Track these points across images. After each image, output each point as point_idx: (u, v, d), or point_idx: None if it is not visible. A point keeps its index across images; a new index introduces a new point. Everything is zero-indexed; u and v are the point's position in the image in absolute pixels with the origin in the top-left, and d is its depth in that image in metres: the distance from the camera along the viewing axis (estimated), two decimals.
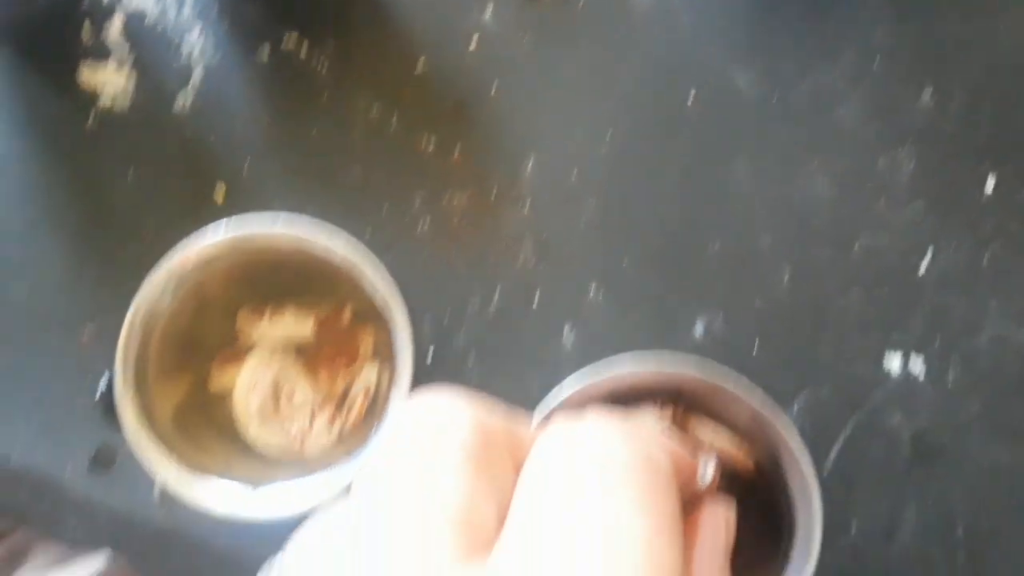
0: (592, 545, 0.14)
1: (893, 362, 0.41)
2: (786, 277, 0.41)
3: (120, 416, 0.40)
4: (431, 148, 0.42)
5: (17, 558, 0.61)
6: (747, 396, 0.33)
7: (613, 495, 0.15)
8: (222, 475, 0.35)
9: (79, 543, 0.41)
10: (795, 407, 0.41)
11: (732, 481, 0.36)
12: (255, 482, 0.35)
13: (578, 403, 0.36)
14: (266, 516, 0.33)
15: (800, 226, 0.41)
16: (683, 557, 0.15)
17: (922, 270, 0.41)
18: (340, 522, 0.18)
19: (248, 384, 0.36)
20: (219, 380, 0.37)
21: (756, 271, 0.41)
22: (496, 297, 0.41)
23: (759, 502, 0.36)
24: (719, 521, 0.21)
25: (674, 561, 0.14)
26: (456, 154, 0.42)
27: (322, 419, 0.37)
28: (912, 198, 0.42)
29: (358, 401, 0.37)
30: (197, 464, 0.35)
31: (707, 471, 0.29)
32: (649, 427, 0.18)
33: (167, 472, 0.34)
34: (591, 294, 0.41)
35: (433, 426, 0.17)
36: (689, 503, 0.22)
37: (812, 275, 0.41)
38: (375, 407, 0.37)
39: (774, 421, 0.33)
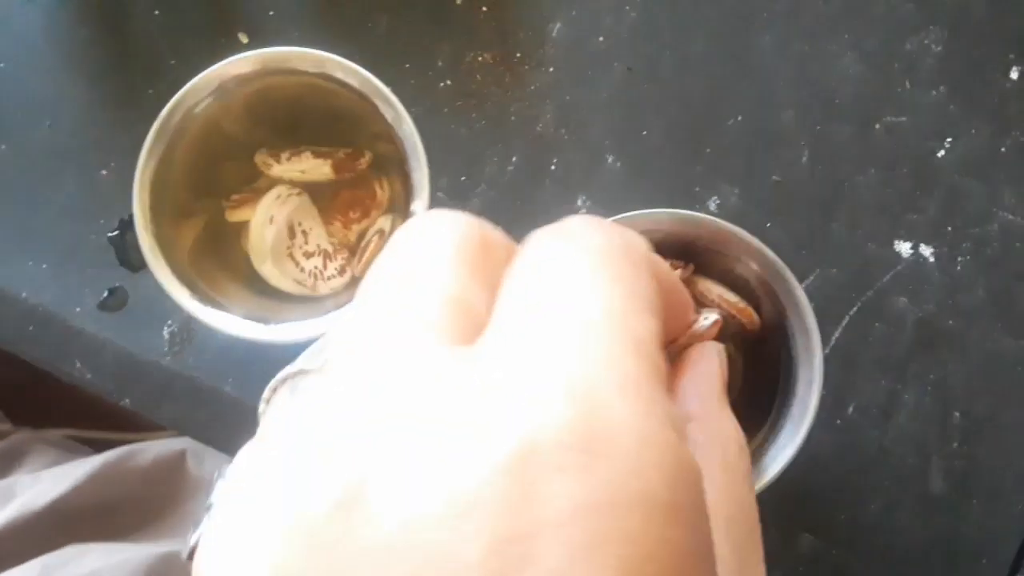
0: (569, 318, 0.14)
1: (904, 245, 0.41)
2: (805, 154, 0.41)
3: (138, 254, 0.40)
4: (459, 2, 0.41)
5: (14, 458, 0.62)
6: (759, 250, 0.33)
7: (592, 273, 0.15)
8: (235, 311, 0.35)
9: (86, 384, 0.41)
10: (803, 285, 0.41)
11: (738, 339, 0.36)
12: (266, 319, 0.35)
13: None
14: (278, 339, 0.34)
15: (823, 103, 0.41)
16: (659, 331, 0.15)
17: (941, 154, 0.41)
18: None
19: (264, 219, 0.36)
20: (235, 215, 0.37)
21: (775, 147, 0.41)
22: (514, 160, 0.41)
23: (763, 361, 0.36)
24: (711, 351, 0.21)
25: (647, 330, 0.14)
26: (483, 11, 0.41)
27: (335, 264, 0.38)
28: (937, 82, 0.41)
29: (372, 245, 0.37)
30: (211, 300, 0.35)
31: (708, 318, 0.29)
32: (638, 237, 0.17)
33: (182, 301, 0.34)
34: (608, 163, 0.41)
35: (432, 226, 0.16)
36: (687, 346, 0.23)
37: (831, 153, 0.41)
38: None
39: (783, 279, 0.34)
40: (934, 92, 0.41)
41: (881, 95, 0.41)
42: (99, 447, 0.62)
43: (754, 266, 0.35)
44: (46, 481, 0.57)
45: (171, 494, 0.61)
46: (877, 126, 0.41)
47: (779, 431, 0.34)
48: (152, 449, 0.60)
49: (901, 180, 0.41)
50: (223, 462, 0.61)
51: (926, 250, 0.41)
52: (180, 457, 0.60)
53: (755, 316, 0.36)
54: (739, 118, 0.41)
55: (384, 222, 0.38)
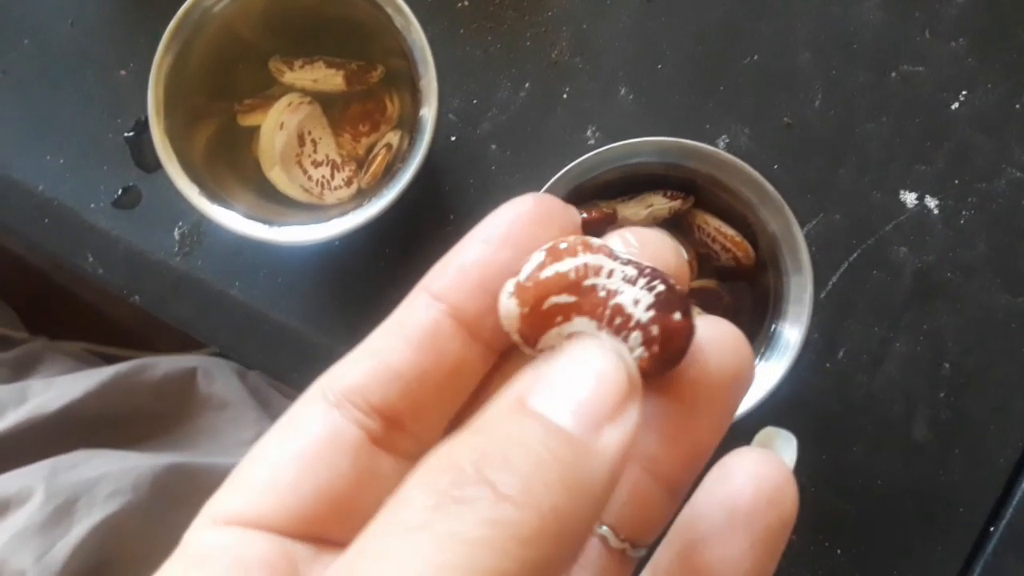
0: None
1: (910, 195, 0.41)
2: (818, 98, 0.41)
3: (152, 154, 0.41)
4: None
5: (27, 365, 0.64)
6: (760, 184, 0.34)
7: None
8: (241, 212, 0.36)
9: (97, 278, 0.42)
10: (805, 229, 0.41)
11: (735, 270, 0.36)
12: (272, 222, 0.36)
13: (592, 187, 0.37)
14: (281, 240, 0.35)
15: (841, 47, 0.41)
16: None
17: (954, 106, 0.41)
18: None
19: (274, 124, 0.37)
20: (247, 119, 0.37)
21: (789, 88, 0.41)
22: (526, 86, 0.42)
23: (756, 297, 0.37)
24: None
25: None
26: None
27: (342, 175, 0.38)
28: (957, 34, 0.41)
29: (379, 158, 0.37)
30: (219, 199, 0.36)
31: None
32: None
33: (192, 198, 0.35)
34: (621, 95, 0.41)
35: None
36: None
37: (845, 99, 0.41)
38: (392, 168, 0.38)
39: (782, 215, 0.34)
40: (953, 44, 0.41)
41: (900, 43, 0.41)
42: (112, 362, 0.64)
43: (754, 201, 0.35)
44: (59, 387, 0.59)
45: (180, 409, 0.62)
46: (893, 74, 0.41)
47: (765, 362, 0.35)
48: (164, 364, 0.62)
49: (912, 130, 0.41)
50: (232, 383, 0.63)
51: (931, 201, 0.41)
52: (191, 374, 0.62)
53: (750, 250, 0.36)
54: (755, 57, 0.41)
55: (392, 137, 0.39)
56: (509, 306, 0.17)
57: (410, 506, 0.14)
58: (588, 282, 0.16)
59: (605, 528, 0.19)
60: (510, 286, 0.17)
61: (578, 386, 0.15)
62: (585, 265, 0.17)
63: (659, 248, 0.18)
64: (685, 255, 0.19)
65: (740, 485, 0.17)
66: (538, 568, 0.14)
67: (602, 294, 0.16)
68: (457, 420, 0.18)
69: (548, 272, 0.16)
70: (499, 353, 0.18)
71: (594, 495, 0.15)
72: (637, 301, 0.16)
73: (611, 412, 0.15)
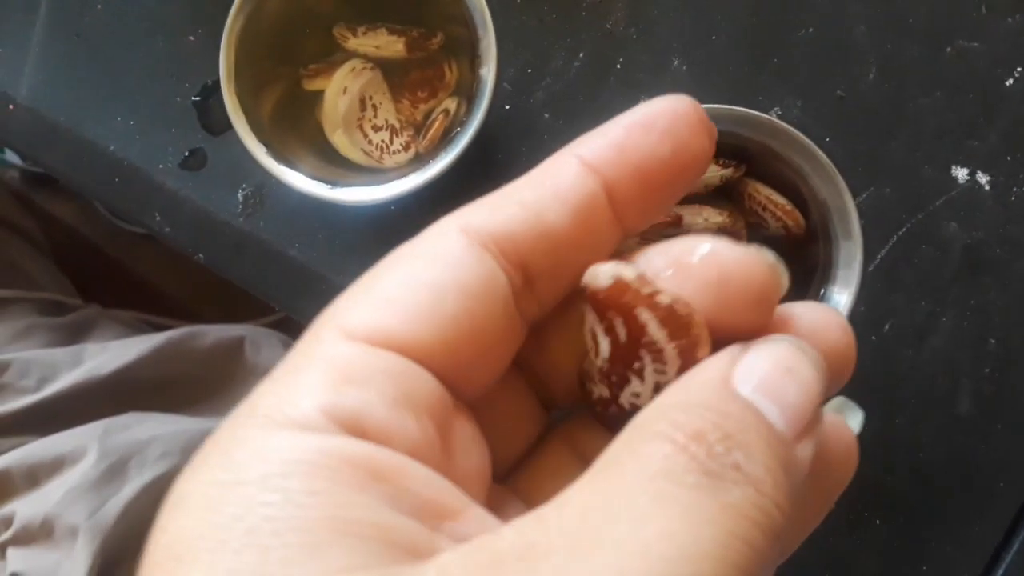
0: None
1: (961, 171, 0.41)
2: (872, 71, 0.41)
3: (218, 118, 0.43)
4: None
5: (82, 330, 0.66)
6: (813, 152, 0.34)
7: None
8: (308, 174, 0.37)
9: (163, 236, 0.44)
10: (855, 202, 0.42)
11: (785, 239, 0.37)
12: (334, 182, 0.37)
13: None
14: (342, 199, 0.36)
15: (896, 21, 0.41)
16: None
17: (1009, 83, 0.41)
18: None
19: (338, 89, 0.38)
20: (312, 84, 0.39)
21: (843, 61, 0.41)
22: (581, 55, 0.42)
23: (805, 265, 0.37)
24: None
25: None
26: None
27: (400, 140, 0.39)
28: (1013, 10, 0.41)
29: (436, 123, 0.39)
30: (284, 160, 0.37)
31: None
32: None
33: (259, 156, 0.36)
34: (674, 65, 0.42)
35: None
36: None
37: (899, 73, 0.41)
38: (449, 133, 0.39)
39: (833, 184, 0.34)
40: (1010, 19, 0.41)
41: (956, 18, 0.41)
42: (161, 330, 0.66)
43: (805, 170, 0.36)
44: (112, 351, 0.61)
45: (227, 376, 0.64)
46: (948, 49, 0.41)
47: None
48: (213, 332, 0.64)
49: (966, 105, 0.41)
50: (278, 353, 0.64)
51: (982, 177, 0.41)
52: (239, 343, 0.63)
53: (801, 219, 0.37)
54: (810, 30, 0.41)
55: (450, 103, 0.40)
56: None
57: (653, 466, 0.13)
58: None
59: None
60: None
61: (785, 387, 0.15)
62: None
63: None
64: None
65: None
66: (771, 559, 0.14)
67: None
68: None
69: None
70: (627, 237, 0.18)
71: (795, 500, 0.14)
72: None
73: (811, 423, 0.15)
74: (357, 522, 0.12)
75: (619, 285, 0.16)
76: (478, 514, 0.15)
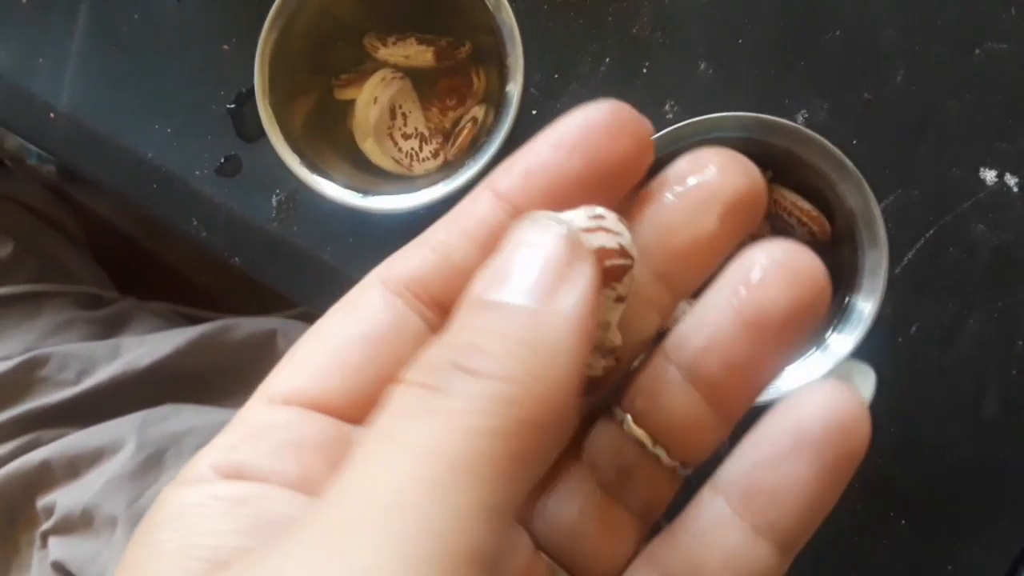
0: None
1: (989, 173, 0.41)
2: (900, 74, 0.41)
3: (253, 125, 0.43)
4: None
5: (118, 323, 0.68)
6: (838, 159, 0.34)
7: None
8: (337, 182, 0.38)
9: (200, 241, 0.45)
10: (882, 205, 0.42)
11: (811, 245, 0.37)
12: (365, 191, 0.38)
13: (671, 161, 0.38)
14: (373, 207, 0.37)
15: (925, 24, 0.41)
16: None
17: None
18: None
19: (368, 98, 0.39)
20: (343, 94, 0.40)
21: (871, 64, 0.41)
22: (607, 61, 0.43)
23: (831, 271, 0.38)
24: None
25: None
26: None
27: (429, 148, 0.40)
28: None
29: (465, 131, 0.39)
30: (317, 169, 0.38)
31: None
32: None
33: (293, 166, 0.37)
34: (700, 69, 0.42)
35: None
36: None
37: (927, 75, 0.41)
38: (478, 141, 0.39)
39: (859, 190, 0.35)
40: None
41: (985, 20, 0.41)
42: (196, 322, 0.67)
43: (831, 176, 0.36)
44: (149, 344, 0.63)
45: (261, 368, 0.65)
46: (977, 51, 0.41)
47: (837, 334, 0.36)
48: (246, 325, 0.65)
49: (995, 108, 0.41)
50: None
51: (1011, 179, 0.41)
52: (271, 336, 0.65)
53: (826, 224, 0.37)
54: (837, 32, 0.41)
55: (478, 111, 0.41)
56: None
57: (396, 413, 0.15)
58: None
59: (659, 448, 0.19)
60: None
61: (522, 264, 0.16)
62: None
63: (729, 168, 0.18)
64: (760, 175, 0.19)
65: (811, 412, 0.17)
66: (534, 436, 0.15)
67: None
68: None
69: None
70: None
71: (567, 355, 0.15)
72: None
73: (559, 276, 0.16)
74: (195, 546, 0.15)
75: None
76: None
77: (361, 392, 0.17)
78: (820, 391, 0.18)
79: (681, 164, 0.19)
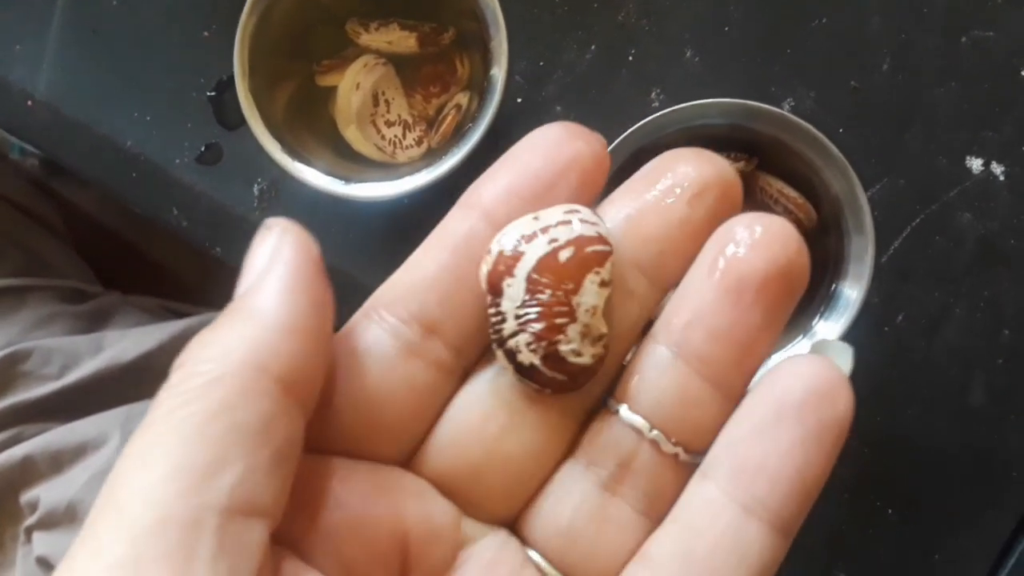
0: None
1: (975, 162, 0.41)
2: (886, 62, 0.41)
3: (233, 113, 0.43)
4: None
5: (102, 317, 0.67)
6: (824, 145, 0.34)
7: None
8: (322, 170, 0.38)
9: (181, 231, 0.44)
10: (868, 193, 0.41)
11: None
12: (347, 178, 0.38)
13: (655, 148, 0.37)
14: (356, 195, 0.36)
15: (912, 11, 0.41)
16: None
17: None
18: None
19: (351, 85, 0.38)
20: (325, 80, 0.39)
21: (857, 52, 0.41)
22: (592, 48, 0.42)
23: (817, 258, 0.37)
24: None
25: None
26: None
27: (413, 135, 0.40)
28: None
29: (448, 118, 0.39)
30: (299, 156, 0.38)
31: None
32: None
33: (274, 154, 0.37)
34: (686, 57, 0.42)
35: None
36: None
37: (913, 63, 0.41)
38: (462, 128, 0.39)
39: (845, 176, 0.34)
40: None
41: (971, 8, 0.41)
42: (180, 316, 0.67)
43: (817, 163, 0.36)
44: (133, 338, 0.62)
45: None
46: (963, 39, 0.41)
47: (824, 321, 0.36)
48: None
49: (981, 96, 0.41)
50: None
51: (997, 168, 0.41)
52: None
53: (812, 212, 0.37)
54: (823, 20, 0.41)
55: (462, 98, 0.40)
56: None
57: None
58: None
59: (656, 432, 0.19)
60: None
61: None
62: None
63: (694, 160, 0.19)
64: (728, 167, 0.20)
65: (790, 382, 0.18)
66: None
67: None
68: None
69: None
70: None
71: None
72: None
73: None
74: None
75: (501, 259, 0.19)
76: None
77: (335, 420, 0.19)
78: (797, 363, 0.18)
79: (649, 165, 0.20)
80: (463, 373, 0.20)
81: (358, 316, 0.20)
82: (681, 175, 0.19)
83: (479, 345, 0.20)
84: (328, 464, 0.18)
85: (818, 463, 0.18)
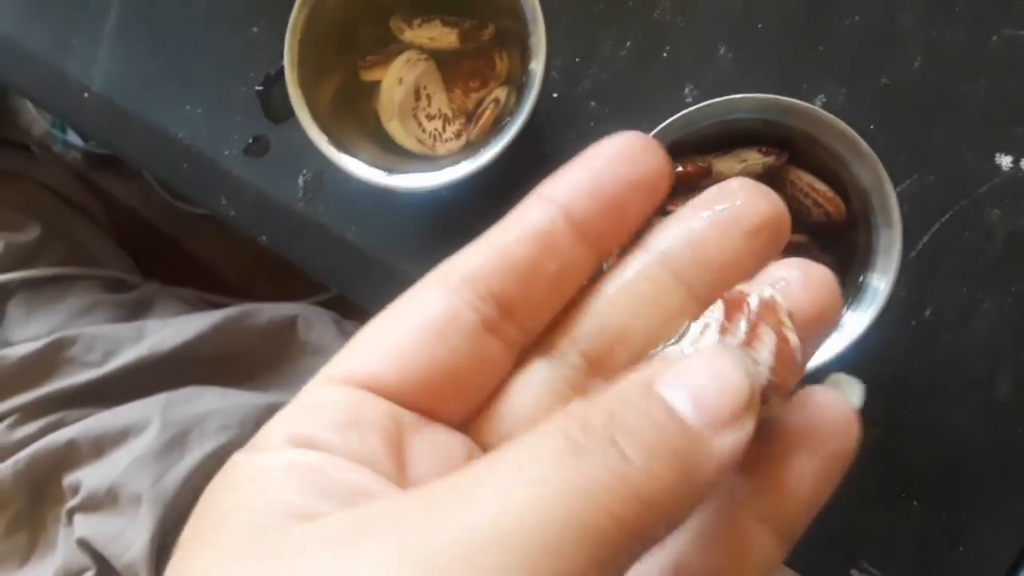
0: None
1: (1005, 158, 0.41)
2: (918, 59, 0.42)
3: (280, 107, 0.45)
4: None
5: (143, 307, 0.69)
6: (853, 141, 0.35)
7: None
8: (366, 161, 0.39)
9: (229, 220, 0.46)
10: (898, 189, 0.42)
11: (827, 226, 0.38)
12: (390, 169, 0.39)
13: (689, 142, 0.38)
14: (398, 186, 0.38)
15: (943, 9, 0.41)
16: None
17: None
18: None
19: (394, 79, 0.40)
20: (369, 75, 0.41)
21: (888, 49, 0.42)
22: (628, 44, 0.43)
23: (845, 251, 0.38)
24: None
25: None
26: None
27: (452, 128, 0.41)
28: None
29: (487, 112, 0.40)
30: (344, 148, 0.39)
31: None
32: None
33: (320, 145, 0.38)
34: (720, 53, 0.43)
35: None
36: None
37: (944, 61, 0.42)
38: (500, 122, 0.40)
39: (874, 172, 0.35)
40: None
41: (1002, 6, 0.41)
42: (218, 307, 0.69)
43: (847, 157, 0.36)
44: (173, 327, 0.64)
45: (281, 352, 0.66)
46: (995, 37, 0.41)
47: (852, 312, 0.36)
48: (268, 311, 0.66)
49: (1011, 93, 0.41)
50: (329, 330, 0.67)
51: None
52: (292, 321, 0.66)
53: (842, 206, 0.37)
54: (856, 18, 0.42)
55: (500, 92, 0.41)
56: None
57: (533, 445, 0.16)
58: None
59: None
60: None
61: (704, 384, 0.16)
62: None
63: (753, 194, 0.20)
64: (781, 203, 0.21)
65: (809, 415, 0.19)
66: (640, 532, 0.15)
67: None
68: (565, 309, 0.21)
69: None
70: (603, 258, 0.21)
71: (698, 488, 0.16)
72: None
73: (730, 417, 0.16)
74: (277, 501, 0.17)
75: (768, 304, 0.19)
76: (396, 492, 0.18)
77: (413, 377, 0.19)
78: (815, 396, 0.19)
79: (710, 191, 0.21)
80: (523, 356, 0.21)
81: (435, 279, 0.20)
82: (740, 210, 0.21)
83: (538, 333, 0.21)
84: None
85: (822, 489, 0.19)
